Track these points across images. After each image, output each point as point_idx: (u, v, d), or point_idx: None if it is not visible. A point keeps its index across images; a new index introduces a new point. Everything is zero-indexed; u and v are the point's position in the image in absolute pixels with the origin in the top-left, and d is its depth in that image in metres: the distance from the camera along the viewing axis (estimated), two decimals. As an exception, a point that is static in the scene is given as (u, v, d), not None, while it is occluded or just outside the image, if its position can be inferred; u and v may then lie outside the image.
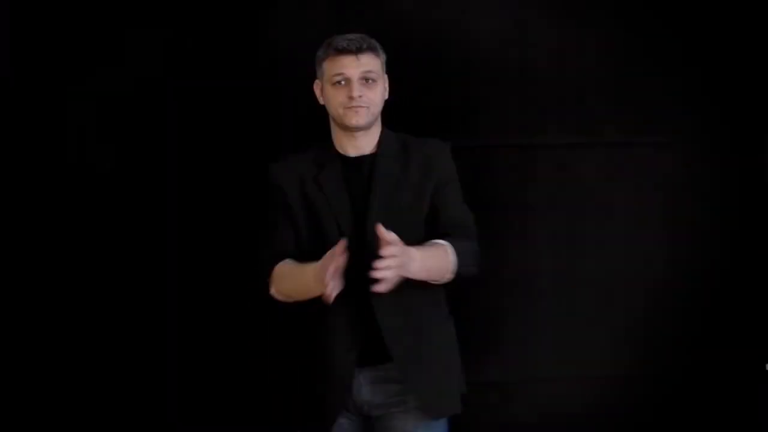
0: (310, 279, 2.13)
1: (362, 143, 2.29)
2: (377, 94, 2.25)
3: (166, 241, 2.76)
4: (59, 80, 2.72)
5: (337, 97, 2.23)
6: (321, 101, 2.30)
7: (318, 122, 2.38)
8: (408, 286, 2.18)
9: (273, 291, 2.28)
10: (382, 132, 2.33)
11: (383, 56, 2.29)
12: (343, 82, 2.22)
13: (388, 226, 2.09)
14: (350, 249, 2.15)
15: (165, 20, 2.75)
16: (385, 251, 1.97)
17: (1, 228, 2.73)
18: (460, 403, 2.34)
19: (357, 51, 2.21)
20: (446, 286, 2.33)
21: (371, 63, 2.23)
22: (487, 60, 2.82)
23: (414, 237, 2.22)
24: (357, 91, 2.21)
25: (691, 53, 2.87)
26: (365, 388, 2.27)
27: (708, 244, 2.90)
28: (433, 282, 2.20)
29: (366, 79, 2.22)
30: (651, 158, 2.88)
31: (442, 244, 2.20)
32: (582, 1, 2.85)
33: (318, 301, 2.24)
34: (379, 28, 2.71)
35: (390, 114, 2.42)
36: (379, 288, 2.00)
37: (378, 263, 1.97)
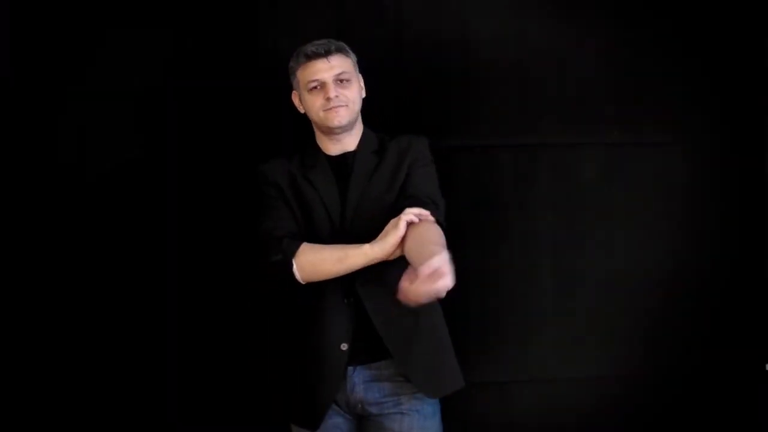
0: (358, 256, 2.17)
1: (345, 143, 2.37)
2: (354, 92, 2.31)
3: (166, 241, 2.75)
4: (59, 80, 2.72)
5: (315, 102, 2.30)
6: (301, 110, 2.38)
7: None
8: (388, 276, 2.19)
9: (300, 264, 2.23)
10: (363, 131, 2.39)
11: (353, 57, 2.35)
12: (318, 87, 2.28)
13: (364, 216, 2.22)
14: (339, 241, 2.24)
15: (165, 20, 2.74)
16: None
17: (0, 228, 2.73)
18: (462, 378, 2.37)
19: (326, 54, 2.27)
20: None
21: (343, 64, 2.29)
22: (487, 60, 2.81)
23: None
24: (333, 91, 2.27)
25: (691, 53, 2.87)
26: (359, 387, 2.28)
27: (708, 244, 2.90)
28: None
29: (340, 80, 2.28)
30: (651, 158, 2.88)
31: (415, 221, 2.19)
32: (582, 1, 2.85)
33: (310, 295, 2.27)
34: (379, 28, 2.73)
35: (390, 114, 2.43)
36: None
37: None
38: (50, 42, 2.71)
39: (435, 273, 1.85)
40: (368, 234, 2.22)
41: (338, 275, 2.23)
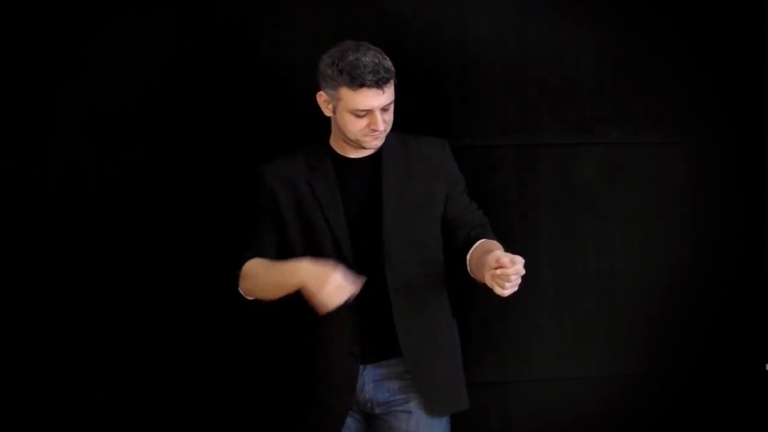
0: (287, 273, 2.13)
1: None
2: (392, 114, 2.24)
3: (165, 245, 2.75)
4: (55, 68, 2.71)
5: (357, 125, 2.19)
6: (327, 113, 2.26)
7: (318, 123, 2.37)
8: (420, 286, 2.21)
9: (240, 287, 2.31)
10: None
11: (394, 71, 2.22)
12: (365, 114, 2.18)
13: (401, 223, 2.17)
14: (355, 249, 2.20)
15: (164, 20, 2.74)
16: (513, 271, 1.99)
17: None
18: (467, 399, 2.36)
19: (382, 85, 2.14)
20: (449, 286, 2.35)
21: (391, 92, 2.19)
22: (487, 60, 2.81)
23: (427, 234, 2.26)
24: (381, 124, 2.18)
25: (691, 53, 2.87)
26: (368, 386, 2.27)
27: (708, 244, 2.90)
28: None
29: (385, 109, 2.19)
30: (651, 158, 2.88)
31: (497, 244, 2.23)
32: (582, 1, 2.85)
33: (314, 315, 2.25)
34: (379, 28, 2.73)
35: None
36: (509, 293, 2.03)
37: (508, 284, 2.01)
38: (47, 34, 2.70)
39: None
40: (407, 242, 2.23)
41: (277, 291, 2.20)
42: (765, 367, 2.89)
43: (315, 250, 2.21)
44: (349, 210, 2.25)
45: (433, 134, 2.44)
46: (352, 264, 2.18)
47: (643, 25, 2.85)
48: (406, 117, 2.59)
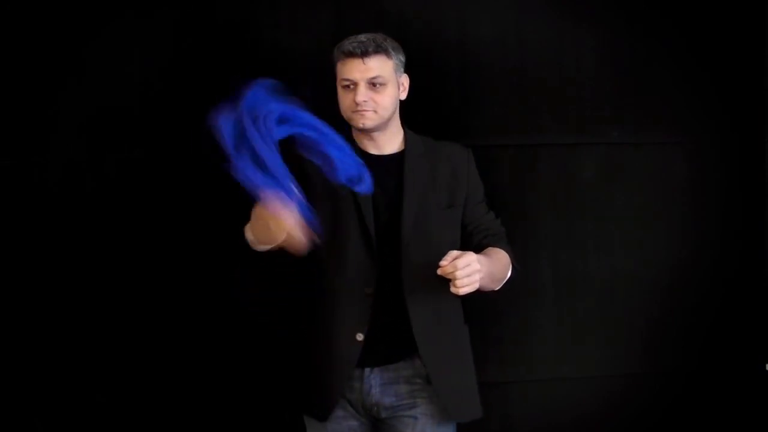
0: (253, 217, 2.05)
1: (381, 143, 2.30)
2: (386, 97, 2.21)
3: (164, 245, 2.75)
4: (55, 68, 2.70)
5: (345, 101, 2.22)
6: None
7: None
8: (436, 289, 2.17)
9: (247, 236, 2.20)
10: (406, 133, 2.33)
11: (397, 57, 2.24)
12: (351, 86, 2.19)
13: (421, 223, 2.17)
14: (374, 246, 2.20)
15: (164, 20, 2.74)
16: (450, 270, 1.98)
17: None
18: (480, 407, 2.35)
19: (363, 54, 2.16)
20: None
21: (379, 67, 2.18)
22: (487, 59, 2.81)
23: (447, 237, 2.26)
24: (361, 96, 2.17)
25: (691, 53, 2.87)
26: (375, 390, 2.26)
27: (708, 244, 2.90)
28: (490, 289, 2.21)
29: (374, 84, 2.19)
30: (651, 158, 2.88)
31: (502, 252, 2.25)
32: (582, 1, 2.85)
33: (327, 292, 2.24)
34: (379, 28, 2.72)
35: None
36: (463, 291, 2.00)
37: (456, 283, 1.98)
38: (47, 33, 2.70)
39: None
40: (426, 245, 2.22)
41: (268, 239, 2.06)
42: (765, 367, 2.89)
43: (342, 240, 2.21)
44: (375, 203, 2.23)
45: (433, 134, 2.44)
46: (381, 255, 2.20)
47: (643, 25, 2.85)
48: (406, 117, 2.59)
